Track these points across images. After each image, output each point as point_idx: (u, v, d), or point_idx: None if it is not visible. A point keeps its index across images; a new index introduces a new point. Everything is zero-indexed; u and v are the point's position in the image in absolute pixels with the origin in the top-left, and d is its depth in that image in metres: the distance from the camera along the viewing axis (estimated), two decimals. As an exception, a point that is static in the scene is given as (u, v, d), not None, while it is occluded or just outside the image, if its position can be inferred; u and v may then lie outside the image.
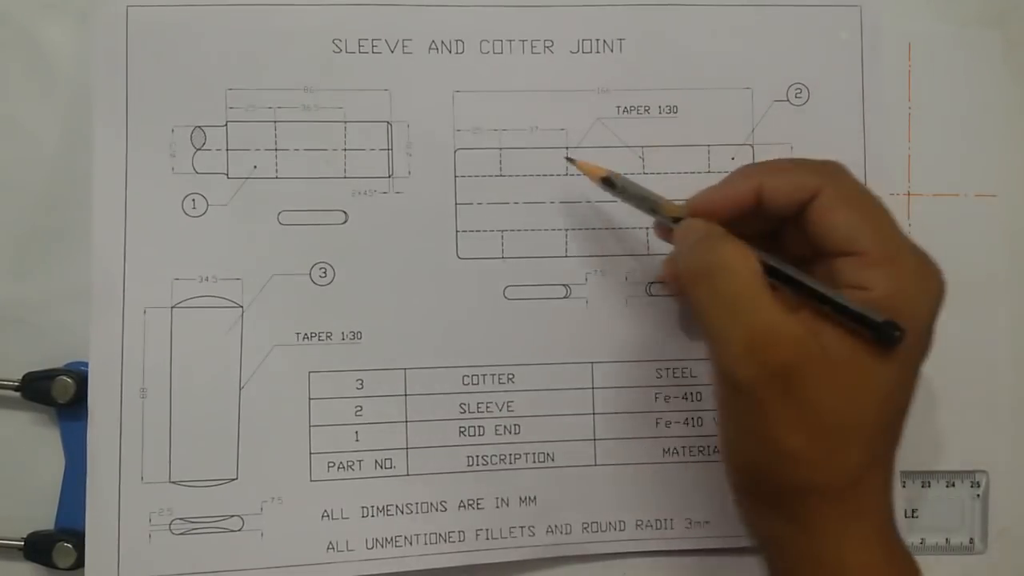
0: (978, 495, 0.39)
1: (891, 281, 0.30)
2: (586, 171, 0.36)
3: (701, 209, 0.33)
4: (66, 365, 0.37)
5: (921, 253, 0.31)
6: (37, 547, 0.36)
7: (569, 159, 0.37)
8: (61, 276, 0.37)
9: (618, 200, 0.35)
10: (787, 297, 0.31)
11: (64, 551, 0.36)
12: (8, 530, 0.37)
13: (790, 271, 0.31)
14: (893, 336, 0.29)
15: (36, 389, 0.36)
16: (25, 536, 0.36)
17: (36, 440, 0.37)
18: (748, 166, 0.34)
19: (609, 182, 0.35)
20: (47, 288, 0.37)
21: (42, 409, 0.37)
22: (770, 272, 0.31)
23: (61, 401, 0.36)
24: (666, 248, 0.37)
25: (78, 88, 0.37)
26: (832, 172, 0.32)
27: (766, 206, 0.32)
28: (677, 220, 0.33)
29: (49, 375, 0.36)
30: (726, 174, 0.37)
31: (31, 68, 0.37)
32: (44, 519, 0.37)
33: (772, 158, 0.35)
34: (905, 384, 0.31)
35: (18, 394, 0.36)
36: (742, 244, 0.31)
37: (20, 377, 0.36)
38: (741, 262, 0.30)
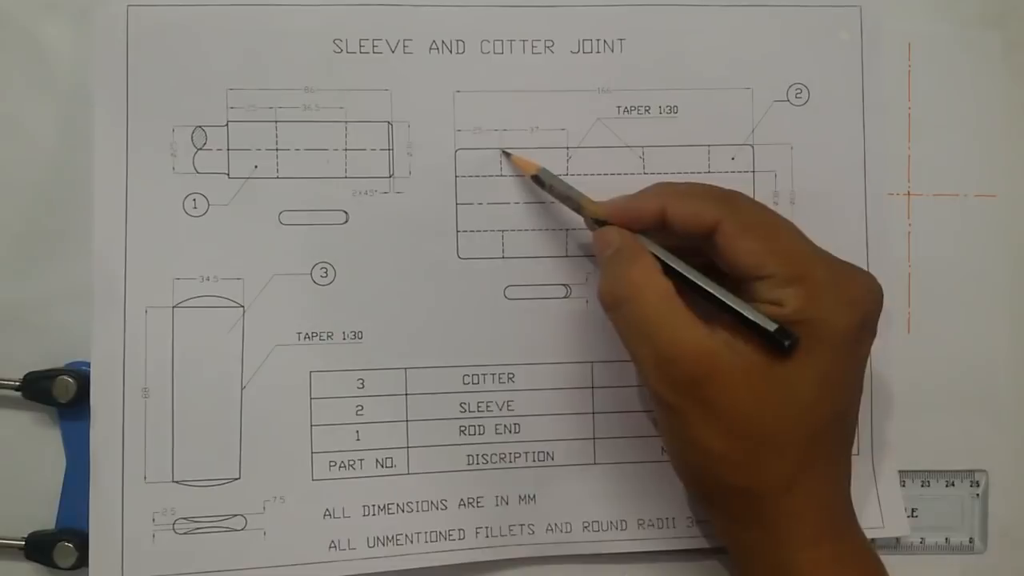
0: (978, 495, 0.40)
1: (801, 296, 0.31)
2: (520, 166, 0.37)
3: (615, 216, 0.34)
4: (67, 365, 0.37)
5: (839, 265, 0.32)
6: (38, 547, 0.36)
7: (505, 152, 0.37)
8: (62, 276, 0.37)
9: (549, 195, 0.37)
10: (705, 308, 0.32)
11: (65, 551, 0.36)
12: (9, 530, 0.37)
13: (696, 279, 0.32)
14: (783, 344, 0.30)
15: (37, 389, 0.36)
16: (26, 536, 0.37)
17: (37, 440, 0.37)
18: (661, 184, 0.34)
19: (538, 180, 0.36)
20: (48, 288, 0.37)
21: (43, 409, 0.37)
22: (683, 281, 0.32)
23: (62, 401, 0.36)
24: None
25: (78, 88, 0.37)
26: (733, 202, 0.33)
27: (670, 228, 0.33)
28: (599, 222, 0.34)
29: (50, 375, 0.36)
30: (726, 174, 0.38)
31: (31, 68, 0.37)
32: (45, 519, 0.37)
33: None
34: (830, 390, 0.32)
35: (19, 394, 0.36)
36: (650, 262, 0.32)
37: (21, 377, 0.36)
38: (647, 286, 0.32)
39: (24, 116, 0.37)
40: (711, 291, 0.32)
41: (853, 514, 0.33)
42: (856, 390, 0.33)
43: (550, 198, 0.37)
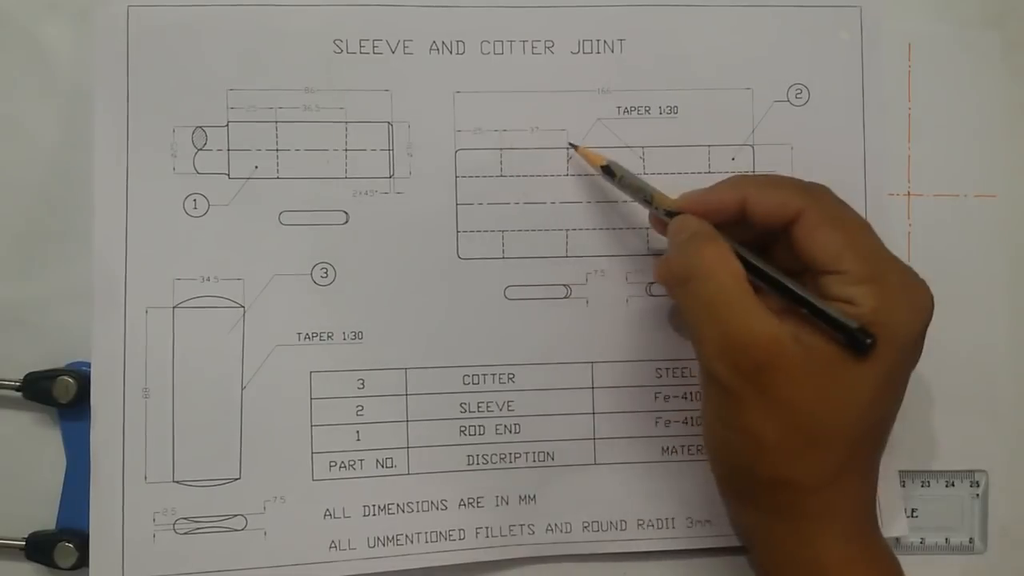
0: (977, 495, 0.40)
1: (875, 297, 0.31)
2: (587, 158, 0.37)
3: (690, 207, 0.34)
4: (67, 365, 0.37)
5: (906, 270, 0.32)
6: (38, 547, 0.36)
7: (572, 145, 0.37)
8: (62, 276, 0.37)
9: (617, 190, 0.36)
10: (774, 300, 0.31)
11: (65, 551, 0.36)
12: (9, 530, 0.37)
13: (773, 273, 0.32)
14: (864, 343, 0.30)
15: (37, 389, 0.36)
16: (26, 536, 0.37)
17: (37, 440, 0.37)
18: (739, 177, 0.34)
19: (609, 170, 0.36)
20: (48, 288, 0.37)
21: (43, 409, 0.37)
22: (756, 274, 0.32)
23: (62, 401, 0.36)
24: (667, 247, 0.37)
25: (78, 88, 0.37)
26: (816, 193, 0.33)
27: (750, 219, 0.33)
28: (670, 214, 0.34)
29: (50, 375, 0.36)
30: (726, 174, 0.37)
31: (32, 68, 0.37)
32: (45, 519, 0.37)
33: (765, 172, 0.37)
34: (888, 394, 0.32)
35: (19, 394, 0.36)
36: (726, 246, 0.32)
37: (21, 377, 0.36)
38: (721, 266, 0.31)
39: (24, 116, 0.37)
40: (788, 284, 0.31)
41: (876, 515, 0.33)
42: (903, 395, 0.33)
43: (611, 198, 0.37)
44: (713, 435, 0.33)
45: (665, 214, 0.34)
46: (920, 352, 0.32)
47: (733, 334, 0.30)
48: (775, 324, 0.30)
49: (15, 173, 0.37)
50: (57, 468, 0.37)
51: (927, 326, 0.32)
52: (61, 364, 0.37)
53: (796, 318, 0.31)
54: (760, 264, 0.32)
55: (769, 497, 0.32)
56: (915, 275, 0.32)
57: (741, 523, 0.34)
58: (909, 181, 0.40)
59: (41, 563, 0.36)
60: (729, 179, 0.34)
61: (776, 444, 0.31)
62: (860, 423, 0.31)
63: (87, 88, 0.36)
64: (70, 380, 0.36)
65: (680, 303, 0.32)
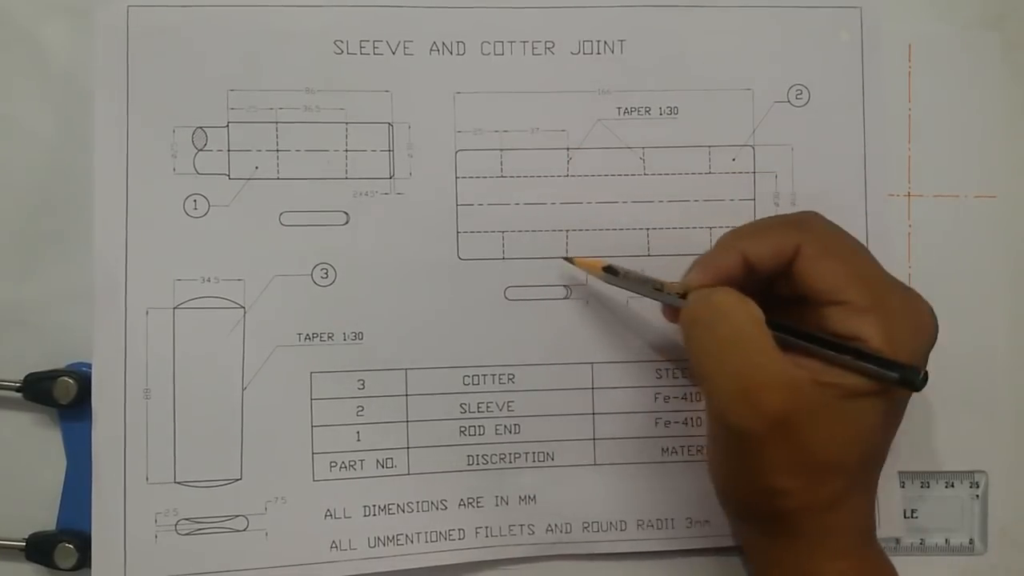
0: (977, 495, 0.40)
1: (880, 329, 0.30)
2: (585, 266, 0.36)
3: (699, 281, 0.33)
4: (68, 366, 0.37)
5: (907, 293, 0.32)
6: (38, 548, 0.36)
7: (567, 259, 0.37)
8: (62, 277, 0.37)
9: (620, 284, 0.36)
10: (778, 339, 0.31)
11: (65, 552, 0.36)
12: (9, 531, 0.37)
13: (794, 325, 0.31)
14: (917, 382, 0.30)
15: (38, 390, 0.36)
16: (26, 537, 0.37)
17: (38, 441, 0.37)
18: (729, 234, 0.34)
19: (612, 270, 0.35)
20: (48, 289, 0.37)
21: (44, 410, 0.37)
22: (776, 327, 0.31)
23: (63, 402, 0.36)
24: (668, 249, 0.38)
25: (78, 88, 0.37)
26: (808, 224, 0.33)
27: (755, 270, 0.32)
28: (682, 296, 0.33)
29: (51, 376, 0.36)
30: (726, 175, 0.37)
31: (31, 68, 0.37)
32: (45, 520, 0.37)
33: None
34: (893, 418, 0.32)
35: (20, 395, 0.36)
36: (738, 292, 0.31)
37: (22, 378, 0.36)
38: (740, 307, 0.31)
39: (24, 116, 0.37)
40: (827, 339, 0.31)
41: (875, 525, 0.33)
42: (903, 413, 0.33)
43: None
44: (720, 471, 0.33)
45: (679, 298, 0.33)
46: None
47: (753, 377, 0.30)
48: (794, 366, 0.30)
49: (15, 173, 0.37)
50: (57, 469, 0.37)
51: (932, 347, 0.32)
52: (61, 365, 0.37)
53: (807, 359, 0.31)
54: (780, 321, 0.31)
55: (771, 521, 0.32)
56: (916, 297, 0.32)
57: (739, 536, 0.35)
58: (909, 182, 0.40)
59: (41, 564, 0.36)
60: (721, 241, 0.34)
61: (788, 488, 0.30)
62: (869, 450, 0.31)
63: (87, 88, 0.36)
64: (70, 381, 0.36)
65: (693, 344, 0.32)
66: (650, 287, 0.34)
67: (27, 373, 0.36)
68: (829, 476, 0.31)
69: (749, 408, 0.30)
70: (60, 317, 0.37)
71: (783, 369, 0.30)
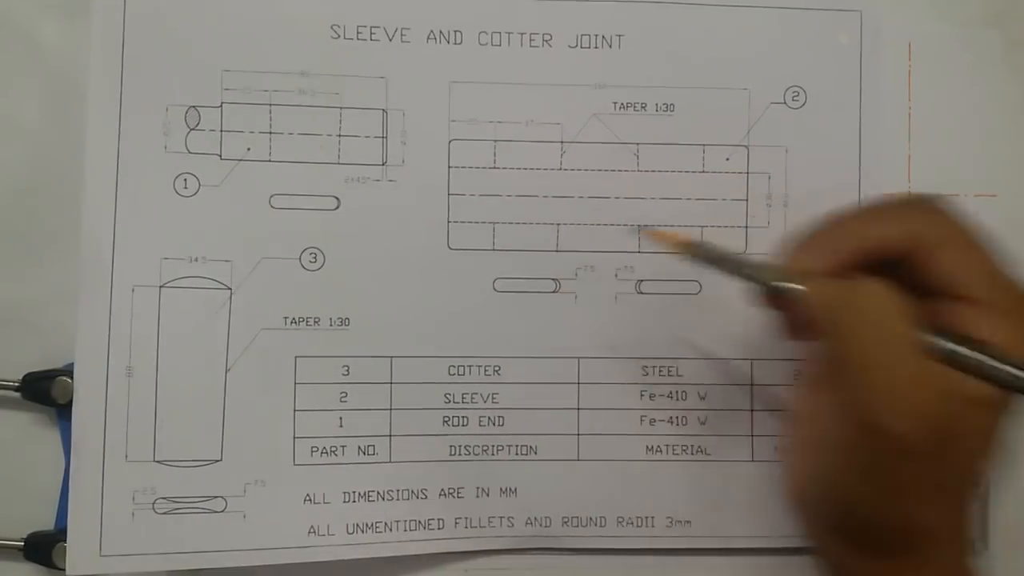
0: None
1: (1019, 333, 0.28)
2: (661, 239, 0.33)
3: (822, 270, 0.29)
4: (66, 365, 0.36)
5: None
6: (37, 547, 0.36)
7: (641, 228, 0.36)
8: (61, 276, 0.37)
9: (700, 263, 0.32)
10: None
11: (64, 551, 0.35)
12: (8, 530, 0.37)
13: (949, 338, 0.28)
14: None
15: (36, 389, 0.36)
16: (25, 536, 0.36)
17: (36, 440, 0.37)
18: (840, 217, 0.30)
19: (693, 246, 0.32)
20: (47, 288, 0.37)
21: (42, 409, 0.37)
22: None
23: (61, 401, 0.36)
24: (658, 246, 0.37)
25: (78, 88, 0.36)
26: (938, 209, 0.30)
27: (873, 257, 0.29)
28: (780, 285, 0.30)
29: (49, 375, 0.36)
30: (719, 174, 0.37)
31: (31, 68, 0.37)
32: (44, 519, 0.37)
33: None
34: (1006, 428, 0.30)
35: (18, 394, 0.36)
36: (892, 286, 0.28)
37: (20, 378, 0.36)
38: (896, 302, 0.28)
39: (25, 116, 0.37)
40: (968, 337, 0.28)
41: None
42: None
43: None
44: (838, 485, 0.29)
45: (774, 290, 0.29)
46: None
47: (916, 378, 0.27)
48: (953, 375, 0.27)
49: (14, 173, 0.37)
50: (56, 468, 0.37)
51: None
52: (60, 364, 0.37)
53: (939, 363, 0.28)
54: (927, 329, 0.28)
55: (892, 544, 0.29)
56: None
57: (837, 563, 0.31)
58: (909, 181, 0.39)
59: (40, 563, 0.36)
60: (833, 221, 0.30)
61: (928, 500, 0.28)
62: (990, 468, 0.29)
63: (84, 76, 0.36)
64: (69, 380, 0.36)
65: (839, 339, 0.28)
66: (739, 267, 0.31)
67: (25, 373, 0.36)
68: (961, 491, 0.29)
69: (908, 410, 0.27)
70: (59, 316, 0.37)
71: (942, 373, 0.27)
